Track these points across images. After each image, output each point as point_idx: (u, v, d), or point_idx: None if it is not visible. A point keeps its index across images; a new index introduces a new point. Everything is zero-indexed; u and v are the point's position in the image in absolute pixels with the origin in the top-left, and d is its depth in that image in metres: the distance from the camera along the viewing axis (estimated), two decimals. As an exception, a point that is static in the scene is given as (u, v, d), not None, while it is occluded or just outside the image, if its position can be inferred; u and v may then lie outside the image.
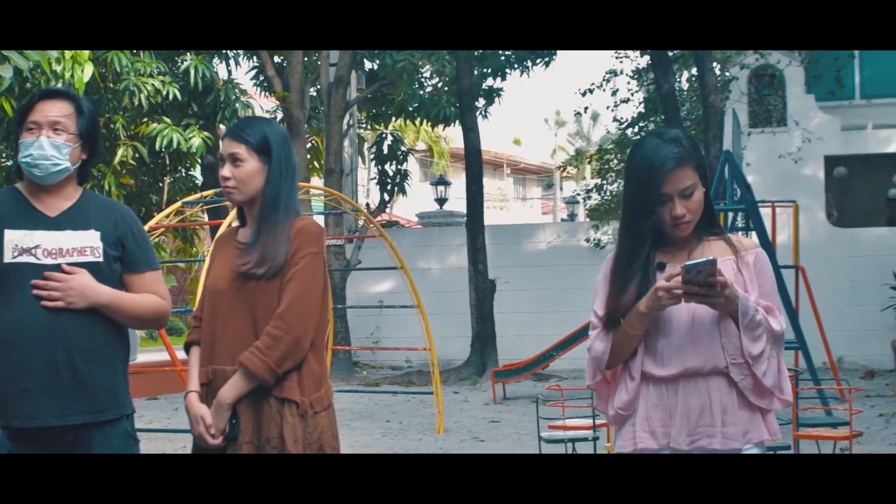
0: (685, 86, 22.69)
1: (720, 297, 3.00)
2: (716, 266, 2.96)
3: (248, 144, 3.47)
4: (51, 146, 3.39)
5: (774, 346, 3.12)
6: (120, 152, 14.13)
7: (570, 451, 7.84)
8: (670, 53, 17.54)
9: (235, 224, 3.69)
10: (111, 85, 14.53)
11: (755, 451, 3.14)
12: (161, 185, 16.92)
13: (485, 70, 20.26)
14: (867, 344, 17.88)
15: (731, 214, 11.80)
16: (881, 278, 17.87)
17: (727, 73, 19.32)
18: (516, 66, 20.44)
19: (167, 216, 10.63)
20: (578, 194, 27.31)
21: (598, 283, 3.24)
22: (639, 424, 3.17)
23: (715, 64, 18.01)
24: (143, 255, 3.54)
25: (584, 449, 8.21)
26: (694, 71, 19.51)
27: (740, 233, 11.48)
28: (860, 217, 20.31)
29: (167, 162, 16.42)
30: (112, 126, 14.41)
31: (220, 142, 3.60)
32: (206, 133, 14.89)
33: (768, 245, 10.19)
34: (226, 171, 3.48)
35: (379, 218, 20.76)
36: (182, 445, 9.62)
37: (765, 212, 12.21)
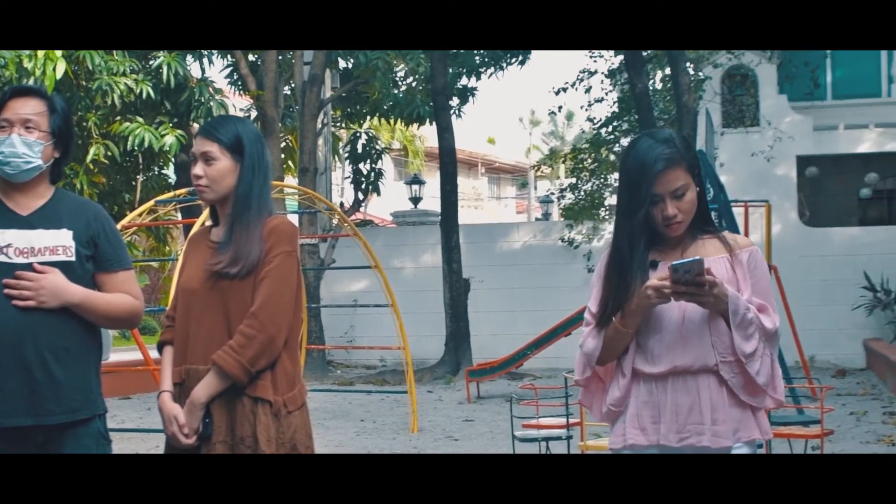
0: (659, 85, 22.80)
1: (709, 295, 3.02)
2: (703, 265, 2.98)
3: (221, 143, 3.45)
4: (22, 144, 3.36)
5: (768, 345, 3.13)
6: (92, 151, 14.05)
7: (543, 451, 7.85)
8: (644, 53, 17.60)
9: (209, 223, 3.67)
10: (83, 83, 14.45)
11: (745, 449, 3.16)
12: (134, 183, 16.83)
13: (459, 69, 20.26)
14: (839, 343, 18.01)
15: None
16: (853, 278, 18.00)
17: (700, 73, 19.40)
18: (491, 65, 20.45)
19: (140, 215, 10.58)
20: (553, 193, 27.35)
21: (594, 281, 3.27)
22: (629, 421, 3.20)
23: (688, 64, 18.08)
24: (115, 254, 3.52)
25: (558, 448, 8.23)
26: (668, 71, 19.59)
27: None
28: (832, 217, 20.45)
29: (140, 160, 16.35)
30: (84, 124, 14.32)
31: (193, 140, 3.57)
32: (179, 131, 14.83)
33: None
34: (198, 169, 3.46)
35: (353, 217, 20.71)
36: (155, 445, 9.58)
37: (737, 211, 12.28)
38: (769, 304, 3.17)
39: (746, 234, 12.02)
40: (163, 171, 17.92)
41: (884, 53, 20.38)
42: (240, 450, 3.34)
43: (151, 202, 10.72)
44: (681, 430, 3.13)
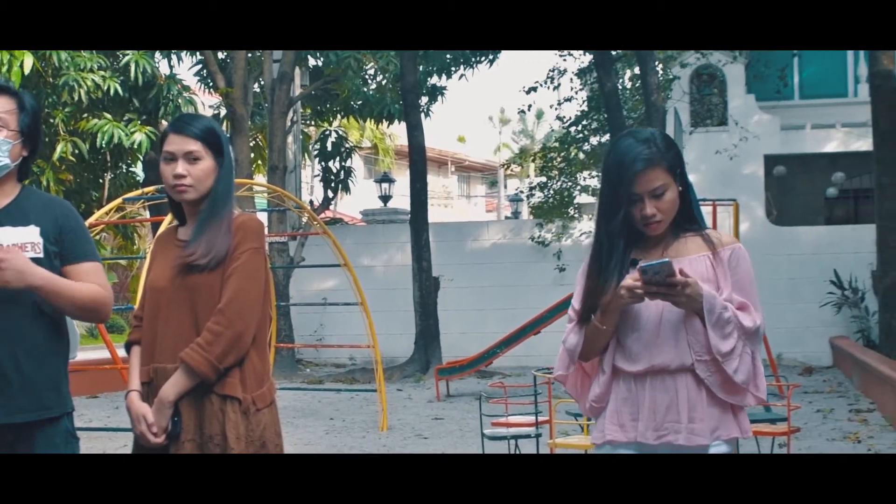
0: (628, 84, 22.88)
1: (681, 295, 3.04)
2: (672, 267, 2.99)
3: (204, 142, 3.44)
4: (-9, 143, 3.34)
5: (748, 343, 3.14)
6: (59, 148, 13.96)
7: (512, 448, 7.87)
8: (613, 52, 17.67)
9: (175, 223, 3.65)
10: (50, 80, 14.35)
11: (724, 448, 3.17)
12: (102, 181, 16.74)
13: (430, 68, 20.26)
14: (806, 341, 18.16)
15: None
16: (820, 276, 18.16)
17: (669, 73, 19.49)
18: (461, 63, 20.47)
19: (108, 213, 10.52)
20: (522, 192, 27.38)
21: (578, 278, 3.29)
22: (609, 417, 3.24)
23: (657, 63, 18.17)
24: (82, 248, 3.47)
25: (527, 446, 8.24)
26: (636, 70, 19.67)
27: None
28: (799, 216, 20.61)
29: (108, 158, 16.25)
30: (51, 121, 14.23)
31: (166, 138, 3.54)
32: (148, 128, 14.75)
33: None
34: (180, 168, 3.42)
35: (323, 215, 20.69)
36: (123, 444, 9.53)
37: (706, 210, 12.34)
38: (751, 301, 3.18)
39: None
40: (131, 169, 17.82)
41: (850, 53, 20.56)
42: (208, 448, 3.33)
43: (119, 200, 10.66)
44: (658, 427, 3.15)
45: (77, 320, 3.39)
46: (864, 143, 17.57)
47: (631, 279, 3.06)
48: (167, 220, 8.92)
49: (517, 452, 7.88)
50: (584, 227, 19.75)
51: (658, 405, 3.15)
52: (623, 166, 3.10)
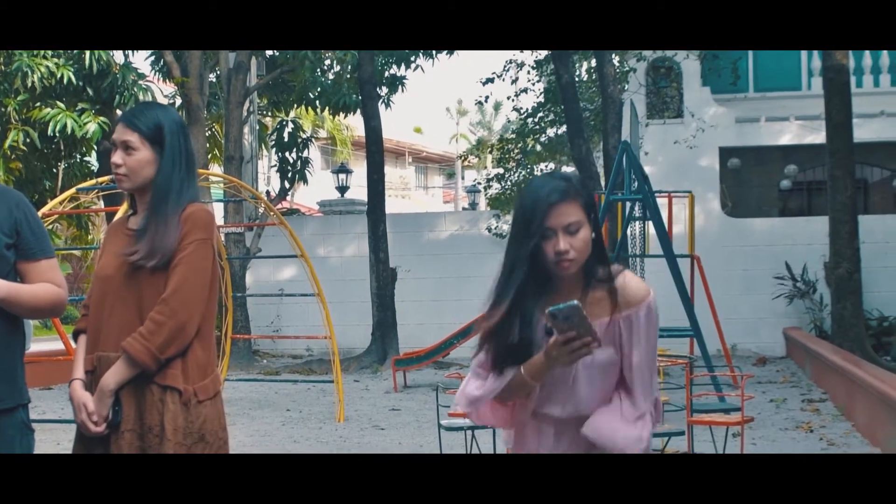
0: (585, 76, 22.96)
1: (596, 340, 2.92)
2: (581, 310, 2.85)
3: (141, 133, 3.42)
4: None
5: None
6: (11, 136, 13.79)
7: (469, 440, 7.89)
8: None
9: (130, 212, 3.63)
10: (2, 67, 14.18)
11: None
12: (55, 171, 16.57)
13: (388, 58, 20.20)
14: (760, 332, 18.33)
15: (628, 204, 11.99)
16: (773, 268, 18.33)
17: (626, 65, 19.58)
18: (420, 54, 20.42)
19: (61, 203, 10.42)
20: (480, 183, 27.41)
21: (482, 335, 3.16)
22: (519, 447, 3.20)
23: (614, 56, 18.24)
24: (38, 243, 3.45)
25: (483, 436, 8.27)
26: (593, 62, 19.74)
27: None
28: (753, 207, 20.78)
29: (62, 147, 16.08)
30: (3, 110, 14.06)
31: (115, 127, 3.52)
32: (102, 118, 14.61)
33: (665, 235, 10.37)
34: (117, 157, 3.44)
35: (279, 206, 20.61)
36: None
37: (661, 202, 12.43)
38: (646, 373, 3.06)
39: (670, 225, 12.16)
40: (85, 159, 17.66)
41: (804, 47, 20.75)
42: (148, 439, 3.31)
43: (73, 190, 10.56)
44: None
45: (33, 320, 3.37)
46: (817, 136, 17.71)
47: (560, 338, 2.89)
48: (122, 210, 8.86)
49: (474, 445, 7.91)
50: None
51: (580, 444, 3.07)
52: (538, 199, 2.97)
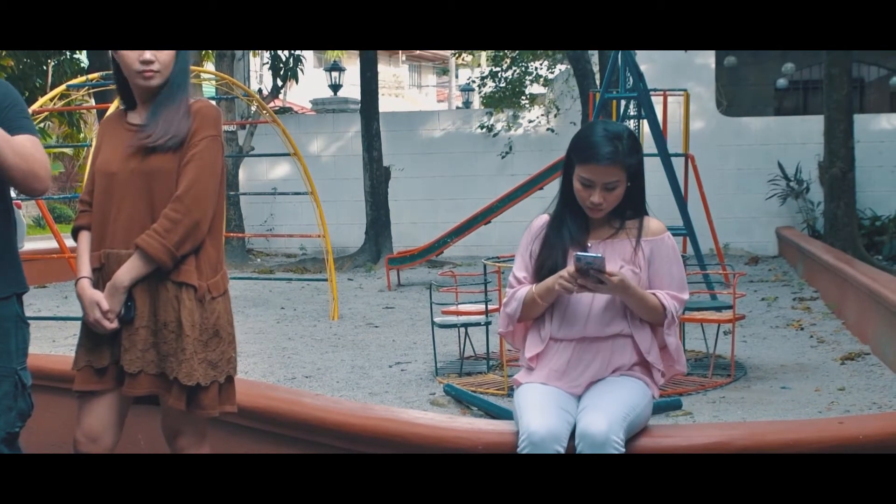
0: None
1: (612, 289, 3.46)
2: (604, 263, 3.39)
3: None
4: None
5: (669, 326, 3.59)
6: None
7: (462, 336, 7.97)
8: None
9: (121, 108, 3.59)
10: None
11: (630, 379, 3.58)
12: (45, 67, 16.40)
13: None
14: (752, 231, 18.39)
15: (623, 102, 11.92)
16: (767, 167, 18.31)
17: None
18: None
19: (52, 100, 10.33)
20: (474, 82, 27.16)
21: (520, 248, 3.73)
22: (536, 372, 3.67)
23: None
24: (18, 121, 3.29)
25: (477, 333, 8.33)
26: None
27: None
28: (748, 106, 20.69)
29: (51, 44, 15.89)
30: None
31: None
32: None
33: (659, 133, 10.33)
34: (148, 54, 3.37)
35: (272, 104, 20.44)
36: (72, 333, 9.50)
37: (656, 100, 12.34)
38: (675, 287, 3.62)
39: (665, 123, 12.10)
40: (75, 56, 17.46)
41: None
42: (163, 335, 3.33)
43: (63, 87, 10.47)
44: (586, 382, 3.60)
45: (16, 186, 3.28)
46: (814, 34, 17.55)
47: (567, 272, 3.46)
48: (113, 107, 8.78)
49: (468, 343, 7.98)
50: (534, 117, 19.70)
51: (589, 366, 3.58)
52: (591, 156, 3.49)
